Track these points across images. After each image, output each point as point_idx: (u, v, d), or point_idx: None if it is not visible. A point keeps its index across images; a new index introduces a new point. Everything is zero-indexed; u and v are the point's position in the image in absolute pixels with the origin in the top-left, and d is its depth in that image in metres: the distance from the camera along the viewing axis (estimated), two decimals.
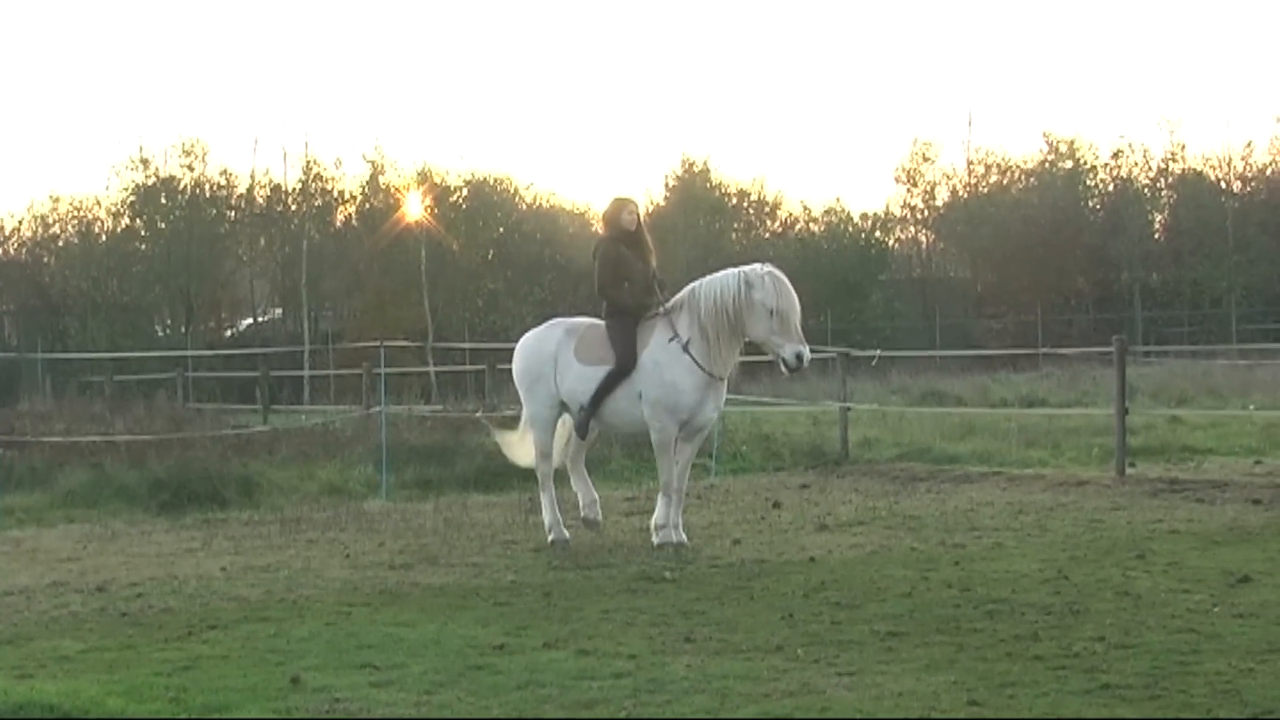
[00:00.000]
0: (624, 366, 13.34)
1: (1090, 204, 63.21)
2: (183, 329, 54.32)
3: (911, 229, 65.21)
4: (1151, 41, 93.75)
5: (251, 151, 76.38)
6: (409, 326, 48.86)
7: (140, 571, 12.38)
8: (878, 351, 18.96)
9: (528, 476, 19.11)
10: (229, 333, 58.83)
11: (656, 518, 13.33)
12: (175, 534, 15.05)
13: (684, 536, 13.22)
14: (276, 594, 11.15)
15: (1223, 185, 62.34)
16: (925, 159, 63.05)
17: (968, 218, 61.02)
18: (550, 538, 13.60)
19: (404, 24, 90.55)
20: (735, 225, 61.82)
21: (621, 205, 14.08)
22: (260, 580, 11.81)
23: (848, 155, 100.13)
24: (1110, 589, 10.42)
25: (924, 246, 65.85)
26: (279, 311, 58.95)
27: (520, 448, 14.88)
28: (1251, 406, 24.56)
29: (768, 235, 62.44)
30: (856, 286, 57.58)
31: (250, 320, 59.78)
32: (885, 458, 21.00)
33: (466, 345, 44.18)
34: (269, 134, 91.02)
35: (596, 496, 14.16)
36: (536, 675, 8.12)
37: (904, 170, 63.30)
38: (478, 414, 23.58)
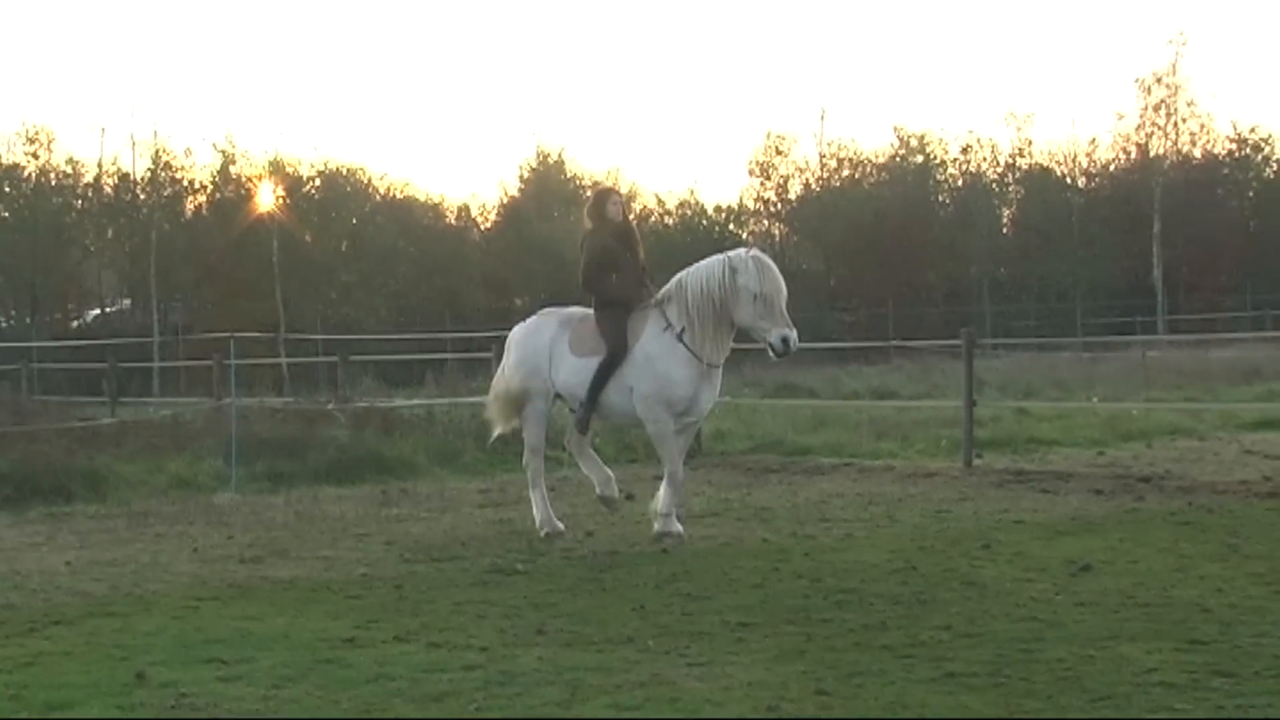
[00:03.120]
0: (615, 355, 13.13)
1: (940, 198, 64.18)
2: (28, 320, 53.36)
3: (765, 222, 65.68)
4: (999, 38, 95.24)
5: (99, 139, 75.03)
6: (261, 318, 48.37)
7: None
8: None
9: (381, 469, 19.10)
10: (76, 324, 57.89)
11: (660, 505, 13.10)
12: (19, 529, 14.75)
13: (677, 526, 13.01)
14: (123, 589, 10.98)
15: (1068, 181, 63.57)
16: (779, 152, 63.57)
17: (820, 211, 61.60)
18: (543, 532, 13.38)
19: (254, 10, 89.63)
20: None
21: (605, 196, 13.89)
22: (106, 575, 11.62)
23: (702, 147, 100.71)
24: (957, 579, 10.57)
25: (777, 239, 66.32)
26: (128, 302, 58.11)
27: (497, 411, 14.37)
28: (1095, 398, 25.06)
29: None
30: None
31: (98, 311, 58.88)
32: (738, 450, 21.14)
33: (319, 337, 43.80)
34: (117, 122, 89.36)
35: (611, 474, 13.93)
36: (386, 668, 8.07)
37: (757, 163, 63.80)
38: (330, 406, 23.40)
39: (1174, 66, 60.53)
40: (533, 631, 9.01)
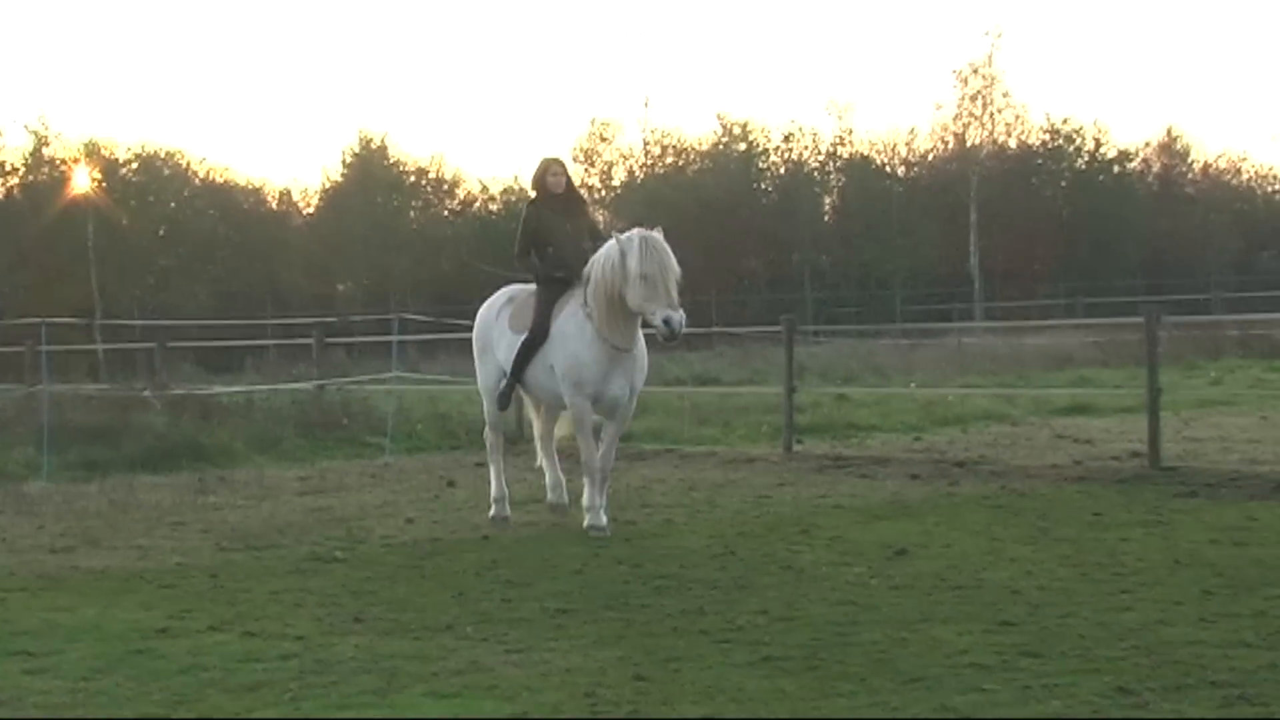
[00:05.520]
0: (535, 334, 13.00)
1: (763, 186, 64.62)
2: None
3: (589, 209, 65.65)
4: (821, 28, 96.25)
5: None
6: (76, 304, 47.39)
7: None
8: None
9: (198, 457, 18.83)
10: None
11: (584, 500, 12.82)
12: None
13: (604, 520, 12.55)
14: None
15: (888, 170, 64.43)
16: (603, 139, 63.67)
17: (645, 198, 61.70)
18: (491, 513, 13.40)
19: None
20: (414, 203, 61.56)
21: (545, 167, 13.63)
22: None
23: (526, 134, 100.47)
24: (775, 563, 10.67)
25: (601, 226, 66.34)
26: None
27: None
28: (913, 385, 25.44)
29: (446, 213, 62.34)
30: None
31: None
32: (559, 436, 21.09)
33: (136, 322, 43.04)
34: None
35: (562, 479, 13.72)
36: (200, 659, 7.95)
37: (582, 150, 63.81)
38: (146, 393, 23.01)
39: (990, 58, 61.64)
40: (350, 620, 8.94)
